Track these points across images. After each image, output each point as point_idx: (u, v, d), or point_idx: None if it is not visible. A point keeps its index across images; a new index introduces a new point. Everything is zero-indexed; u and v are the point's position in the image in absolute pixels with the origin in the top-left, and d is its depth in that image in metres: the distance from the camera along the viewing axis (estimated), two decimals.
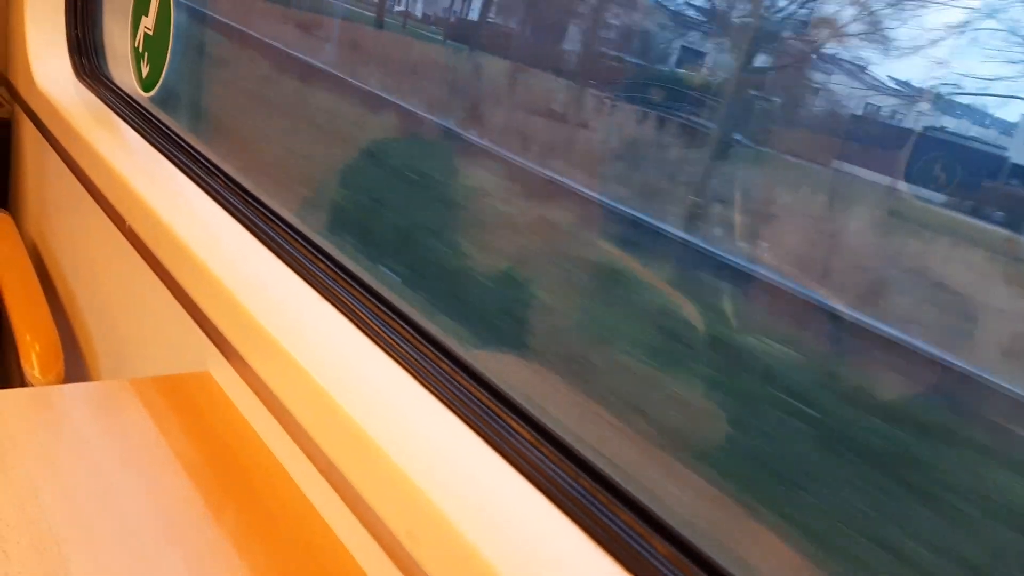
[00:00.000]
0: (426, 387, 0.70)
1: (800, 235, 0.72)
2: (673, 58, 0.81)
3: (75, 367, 1.41)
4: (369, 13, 1.57)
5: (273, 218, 0.99)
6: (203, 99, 1.56)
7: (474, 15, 1.28)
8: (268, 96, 1.53)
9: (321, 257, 0.89)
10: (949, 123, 0.58)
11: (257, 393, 0.83)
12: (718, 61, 0.79)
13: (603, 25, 0.98)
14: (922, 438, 0.62)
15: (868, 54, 0.62)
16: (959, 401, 0.61)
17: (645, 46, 0.88)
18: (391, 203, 1.20)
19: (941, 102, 0.58)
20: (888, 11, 0.61)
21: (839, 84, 0.64)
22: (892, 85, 0.60)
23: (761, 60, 0.72)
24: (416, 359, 0.72)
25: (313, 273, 0.87)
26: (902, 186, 0.61)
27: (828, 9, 0.66)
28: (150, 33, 1.36)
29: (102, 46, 1.64)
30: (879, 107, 0.63)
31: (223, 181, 1.09)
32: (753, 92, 0.74)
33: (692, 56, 0.80)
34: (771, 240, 0.73)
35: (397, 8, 1.46)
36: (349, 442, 0.67)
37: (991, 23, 0.54)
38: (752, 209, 0.72)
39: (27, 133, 1.77)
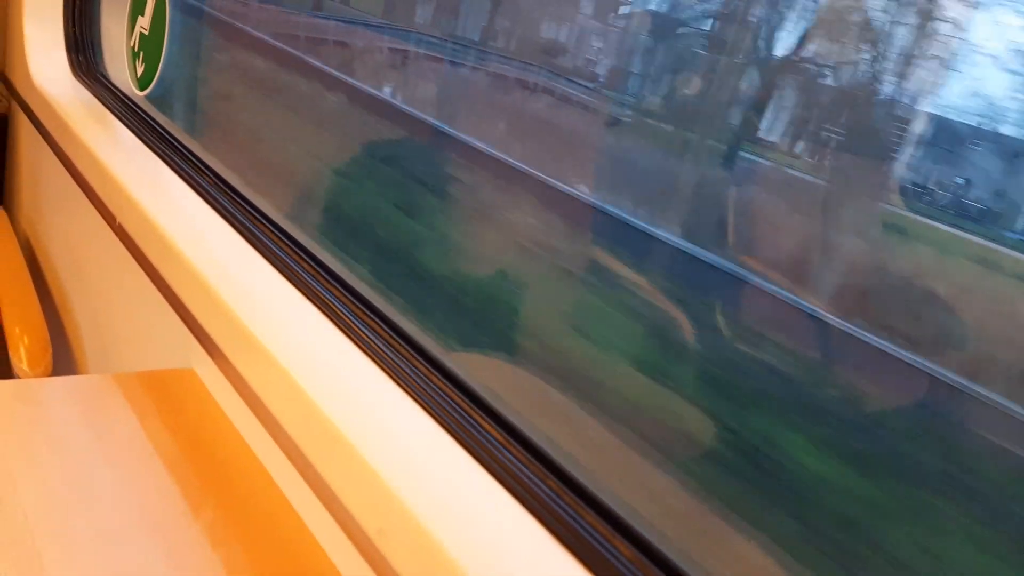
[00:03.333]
0: (402, 387, 0.71)
1: None
2: None
3: (63, 361, 1.42)
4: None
5: (260, 218, 1.00)
6: None
7: None
8: None
9: (305, 257, 0.90)
10: None
11: (239, 391, 0.84)
12: None
13: None
14: None
15: None
16: None
17: None
18: None
19: None
20: None
21: None
22: None
23: None
24: (393, 360, 0.73)
25: (297, 273, 0.88)
26: None
27: None
28: (145, 33, 1.38)
29: (99, 44, 1.65)
30: None
31: (212, 180, 1.10)
32: None
33: None
34: None
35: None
36: (325, 441, 0.68)
37: None
38: None
39: (23, 129, 1.78)
